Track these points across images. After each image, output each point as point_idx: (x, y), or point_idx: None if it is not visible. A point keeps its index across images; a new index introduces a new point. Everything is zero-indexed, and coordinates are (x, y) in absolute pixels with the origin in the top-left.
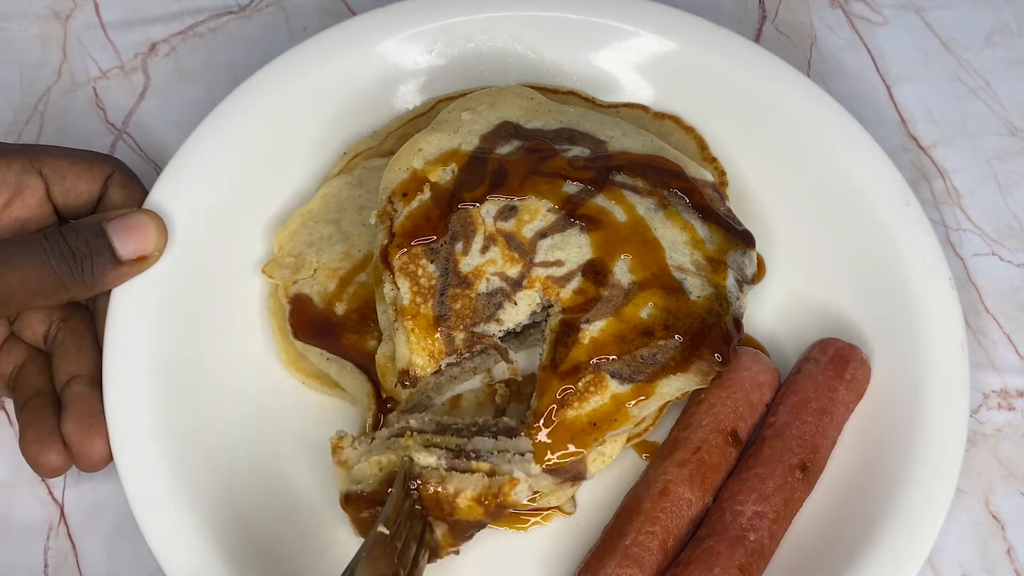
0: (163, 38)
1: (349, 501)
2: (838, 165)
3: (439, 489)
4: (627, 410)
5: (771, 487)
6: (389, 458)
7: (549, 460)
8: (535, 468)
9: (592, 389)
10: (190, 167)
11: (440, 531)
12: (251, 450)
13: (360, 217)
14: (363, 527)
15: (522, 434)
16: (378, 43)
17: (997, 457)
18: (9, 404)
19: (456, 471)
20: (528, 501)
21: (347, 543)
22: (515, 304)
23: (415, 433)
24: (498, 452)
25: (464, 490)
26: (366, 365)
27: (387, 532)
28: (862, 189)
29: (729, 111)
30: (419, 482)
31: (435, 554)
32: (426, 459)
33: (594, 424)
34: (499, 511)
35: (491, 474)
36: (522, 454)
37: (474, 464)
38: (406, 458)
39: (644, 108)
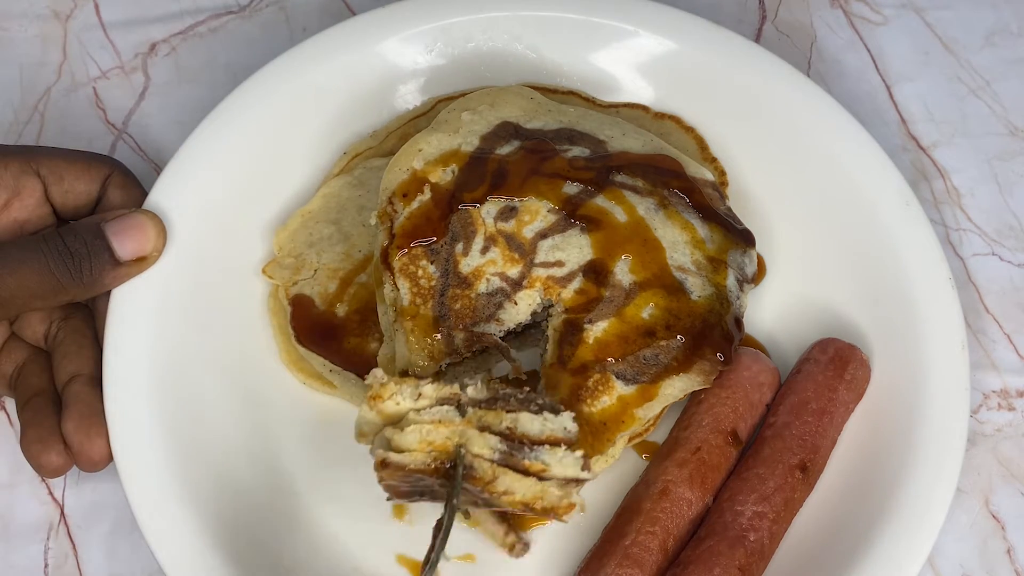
0: (163, 38)
1: (385, 467)
2: (838, 165)
3: (488, 487)
4: (633, 412)
5: (771, 487)
6: (443, 440)
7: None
8: (587, 474)
9: (600, 388)
10: (190, 167)
11: (465, 497)
12: (251, 450)
13: (360, 217)
14: (392, 490)
15: (563, 412)
16: (378, 43)
17: (997, 457)
18: (10, 404)
19: (508, 467)
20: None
21: (347, 542)
22: (515, 304)
23: (470, 409)
24: (548, 443)
25: (514, 493)
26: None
27: (448, 558)
28: (862, 189)
29: (729, 111)
30: (468, 470)
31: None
32: (480, 448)
33: (604, 424)
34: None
35: (541, 476)
36: (571, 448)
37: (526, 463)
38: (462, 449)
39: (644, 108)
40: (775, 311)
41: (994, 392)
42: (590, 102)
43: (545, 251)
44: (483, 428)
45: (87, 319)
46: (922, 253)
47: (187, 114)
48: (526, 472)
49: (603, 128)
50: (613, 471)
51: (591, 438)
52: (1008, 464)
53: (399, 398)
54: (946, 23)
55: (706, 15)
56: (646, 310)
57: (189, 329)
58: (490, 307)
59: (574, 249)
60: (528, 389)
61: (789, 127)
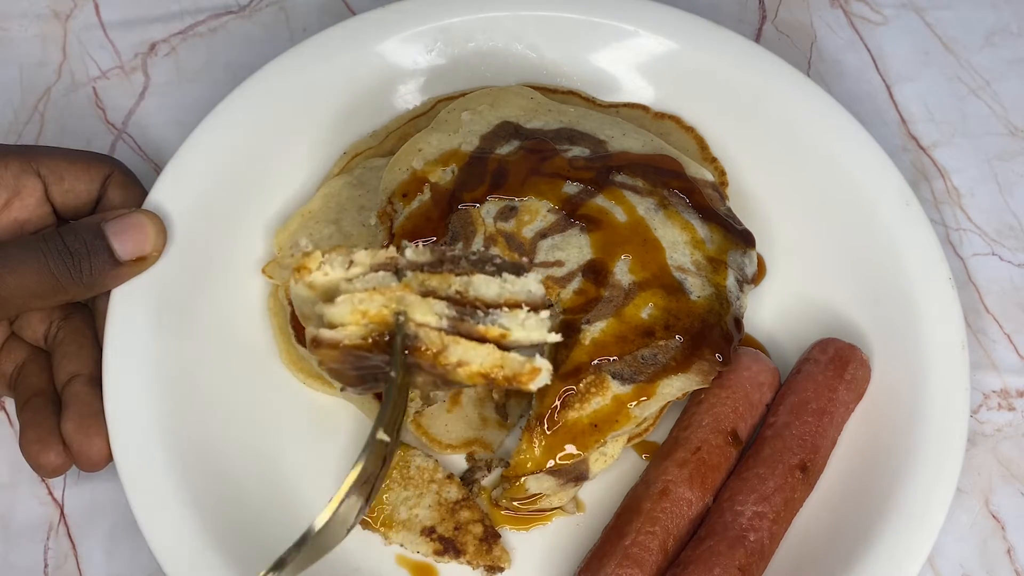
0: (163, 38)
1: (318, 345)
2: (838, 165)
3: (438, 358)
4: (628, 411)
5: (771, 487)
6: (378, 309)
7: (550, 463)
8: (554, 336)
9: (593, 390)
10: (190, 167)
11: (422, 379)
12: (251, 450)
13: (360, 217)
14: (332, 371)
15: (528, 273)
16: (378, 43)
17: (997, 457)
18: (9, 404)
19: (460, 335)
20: (530, 503)
21: (347, 543)
22: None
23: (410, 273)
24: (507, 306)
25: (468, 363)
26: None
27: (388, 440)
28: (862, 189)
29: (729, 111)
30: (412, 341)
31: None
32: (424, 315)
33: (595, 425)
34: (507, 387)
35: (501, 343)
36: (535, 309)
37: (480, 329)
38: (401, 317)
39: (644, 108)
40: (775, 311)
41: (994, 392)
42: (590, 102)
43: (545, 251)
44: (427, 293)
45: (87, 319)
46: (922, 253)
47: (187, 114)
48: (482, 339)
49: (603, 128)
50: (613, 471)
51: (575, 441)
52: (1008, 464)
53: (328, 268)
54: (946, 23)
55: (706, 15)
56: (645, 310)
57: (189, 329)
58: None
59: (574, 249)
60: (484, 248)
61: (789, 127)
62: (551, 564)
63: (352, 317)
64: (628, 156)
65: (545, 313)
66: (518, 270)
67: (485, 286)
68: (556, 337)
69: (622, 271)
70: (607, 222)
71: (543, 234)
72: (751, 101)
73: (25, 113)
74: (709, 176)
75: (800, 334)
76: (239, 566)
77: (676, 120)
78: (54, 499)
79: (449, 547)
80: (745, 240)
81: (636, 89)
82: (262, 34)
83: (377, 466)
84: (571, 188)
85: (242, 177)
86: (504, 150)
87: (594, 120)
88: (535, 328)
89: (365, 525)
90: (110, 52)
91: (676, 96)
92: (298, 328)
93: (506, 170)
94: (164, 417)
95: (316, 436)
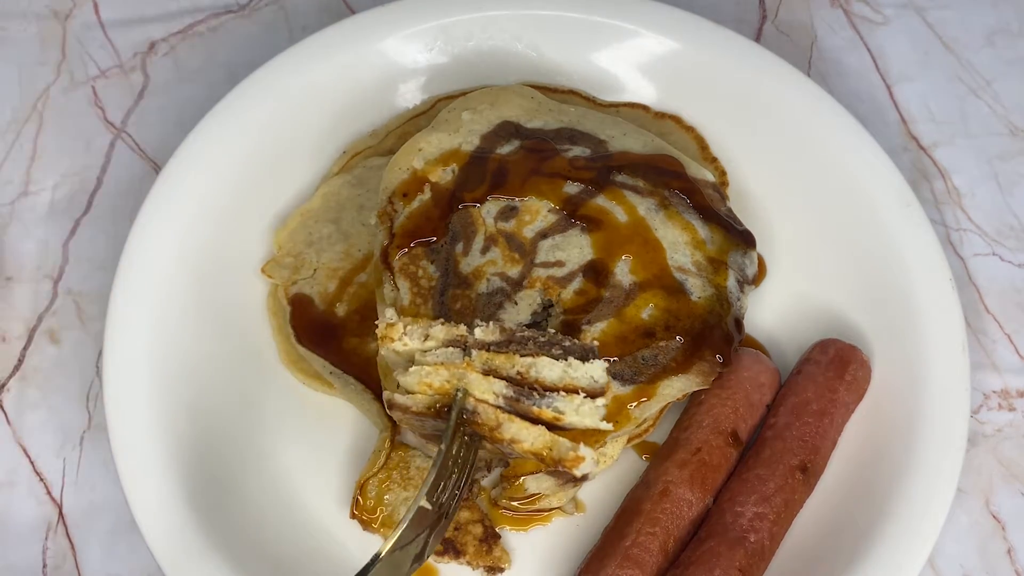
0: (162, 37)
1: (392, 407)
2: (838, 165)
3: (493, 433)
4: (628, 411)
5: (771, 488)
6: (441, 383)
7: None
8: (606, 425)
9: None
10: (189, 166)
11: (490, 448)
12: (251, 449)
13: (360, 216)
14: (416, 431)
15: (594, 358)
16: (378, 42)
17: (997, 457)
18: (8, 403)
19: (516, 414)
20: (529, 503)
21: (347, 542)
22: (515, 304)
23: (475, 352)
24: (565, 391)
25: (521, 442)
26: (371, 383)
27: (428, 507)
28: (862, 189)
29: (729, 111)
30: (471, 415)
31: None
32: (482, 392)
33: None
34: (555, 469)
35: (554, 425)
36: (594, 397)
37: (535, 410)
38: (459, 393)
39: (644, 108)
40: (775, 312)
41: (994, 392)
42: (591, 101)
43: (545, 251)
44: (489, 372)
45: None
46: (922, 253)
47: (186, 113)
48: (536, 420)
49: (604, 128)
50: (613, 472)
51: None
52: (1008, 464)
53: (407, 339)
54: (946, 23)
55: (706, 15)
56: (646, 311)
57: (189, 329)
58: (490, 307)
59: (574, 249)
60: (555, 331)
61: (789, 127)
62: (551, 564)
63: (420, 387)
64: (629, 156)
65: (601, 400)
66: (585, 355)
67: (548, 368)
68: (608, 426)
69: (623, 271)
70: (608, 222)
71: (544, 234)
72: (751, 101)
73: (24, 112)
74: (710, 176)
75: (800, 335)
76: (238, 566)
77: (676, 120)
78: (53, 499)
79: (449, 547)
80: (746, 241)
81: (636, 89)
82: (261, 33)
83: (421, 530)
84: (572, 188)
85: (241, 176)
86: (505, 150)
87: (594, 120)
88: (589, 415)
89: (365, 526)
90: (109, 51)
91: (676, 96)
92: (297, 328)
93: (507, 170)
94: (163, 417)
95: (316, 436)
